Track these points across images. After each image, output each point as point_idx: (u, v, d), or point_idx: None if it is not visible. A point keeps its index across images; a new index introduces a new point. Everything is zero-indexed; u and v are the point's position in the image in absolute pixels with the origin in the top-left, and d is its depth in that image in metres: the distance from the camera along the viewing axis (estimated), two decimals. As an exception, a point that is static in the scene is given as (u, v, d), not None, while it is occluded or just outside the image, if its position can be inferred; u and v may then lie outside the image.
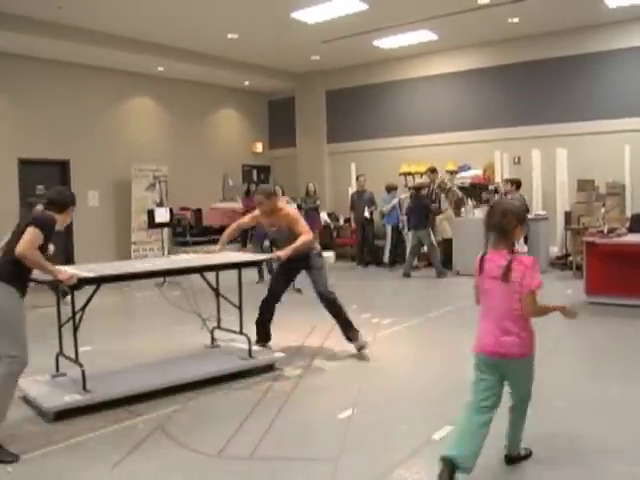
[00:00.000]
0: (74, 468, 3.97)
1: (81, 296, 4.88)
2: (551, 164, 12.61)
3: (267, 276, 9.65)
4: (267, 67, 15.98)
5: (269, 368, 5.96)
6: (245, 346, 5.97)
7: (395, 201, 13.34)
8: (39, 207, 4.69)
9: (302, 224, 6.33)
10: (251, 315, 6.38)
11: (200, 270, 5.94)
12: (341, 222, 15.52)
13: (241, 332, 6.10)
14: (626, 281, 8.43)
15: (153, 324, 8.49)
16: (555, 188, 12.58)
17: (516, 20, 12.23)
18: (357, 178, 14.12)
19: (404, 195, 13.50)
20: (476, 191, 13.58)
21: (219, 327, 6.44)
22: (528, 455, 3.87)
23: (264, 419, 4.65)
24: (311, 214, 14.55)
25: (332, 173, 16.75)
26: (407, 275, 12.05)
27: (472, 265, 3.75)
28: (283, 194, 15.35)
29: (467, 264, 11.67)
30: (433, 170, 13.24)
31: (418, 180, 13.72)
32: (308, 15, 11.61)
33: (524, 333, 3.54)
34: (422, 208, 12.21)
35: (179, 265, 6.01)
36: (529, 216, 11.96)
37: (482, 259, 3.62)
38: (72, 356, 5.10)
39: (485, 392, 3.56)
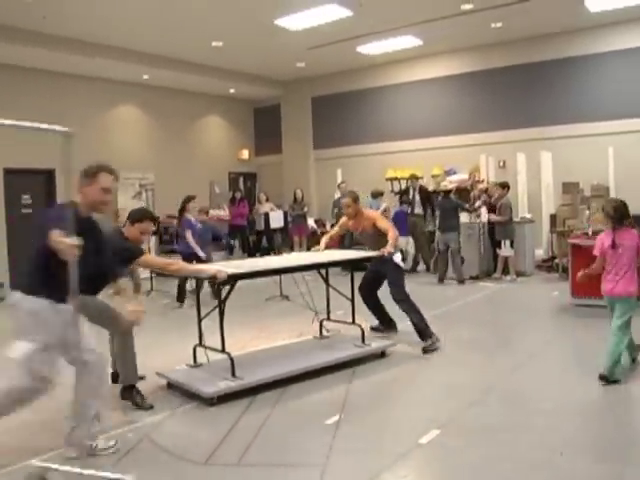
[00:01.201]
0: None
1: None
2: (536, 167, 12.68)
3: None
4: (252, 74, 16.00)
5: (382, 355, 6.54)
6: (356, 334, 6.60)
7: (383, 206, 13.27)
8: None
9: (386, 221, 7.14)
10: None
11: (332, 265, 6.97)
12: (327, 228, 15.48)
13: (353, 322, 6.77)
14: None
15: (263, 316, 9.11)
16: (540, 191, 12.65)
17: (499, 25, 12.31)
18: (339, 185, 14.09)
19: (390, 205, 13.39)
20: (463, 195, 13.67)
21: (329, 319, 7.01)
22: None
23: (251, 425, 4.65)
24: (299, 221, 14.59)
25: (318, 179, 16.77)
26: (442, 281, 11.50)
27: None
28: (267, 200, 15.40)
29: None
30: (417, 177, 13.25)
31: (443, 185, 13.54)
32: (292, 22, 11.62)
33: (635, 279, 5.49)
34: (452, 210, 11.77)
35: (313, 260, 6.68)
36: (515, 219, 12.05)
37: (613, 236, 5.49)
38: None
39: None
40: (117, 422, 4.77)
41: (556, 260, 11.96)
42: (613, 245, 5.49)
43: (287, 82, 16.96)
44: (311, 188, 16.46)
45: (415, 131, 14.98)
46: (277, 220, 11.37)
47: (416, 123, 15.04)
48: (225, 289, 5.40)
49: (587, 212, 10.64)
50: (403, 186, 14.33)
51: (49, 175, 13.15)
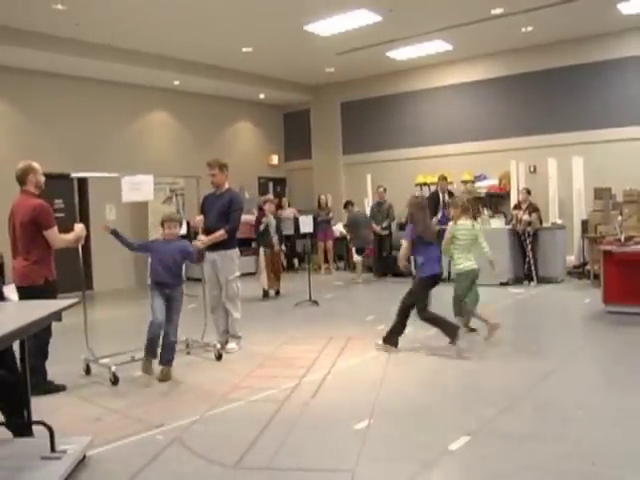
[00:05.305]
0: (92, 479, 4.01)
1: None
2: (567, 173, 12.55)
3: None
4: (282, 80, 16.07)
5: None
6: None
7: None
8: None
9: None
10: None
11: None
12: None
13: (29, 423, 4.34)
14: (644, 290, 8.37)
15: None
16: (572, 197, 12.52)
17: (530, 29, 12.22)
18: (377, 189, 14.10)
19: None
20: (492, 201, 13.63)
21: None
22: None
23: (281, 430, 4.66)
24: (324, 226, 14.62)
25: (348, 184, 16.77)
26: None
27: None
28: (289, 206, 15.49)
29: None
30: (446, 179, 13.26)
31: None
32: (322, 28, 11.66)
33: None
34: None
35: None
36: (546, 225, 11.96)
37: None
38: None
39: None
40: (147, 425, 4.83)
41: (587, 266, 11.84)
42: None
43: (317, 87, 17.00)
44: (341, 193, 16.45)
45: (445, 136, 14.93)
46: (307, 225, 11.33)
47: (446, 128, 14.98)
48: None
49: (619, 218, 10.53)
50: (432, 191, 14.27)
51: (82, 180, 13.30)
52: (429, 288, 7.04)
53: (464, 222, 7.42)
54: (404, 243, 7.19)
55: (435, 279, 7.03)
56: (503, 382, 5.77)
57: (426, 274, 6.99)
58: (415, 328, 7.82)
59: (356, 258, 13.31)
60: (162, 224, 6.38)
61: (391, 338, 7.00)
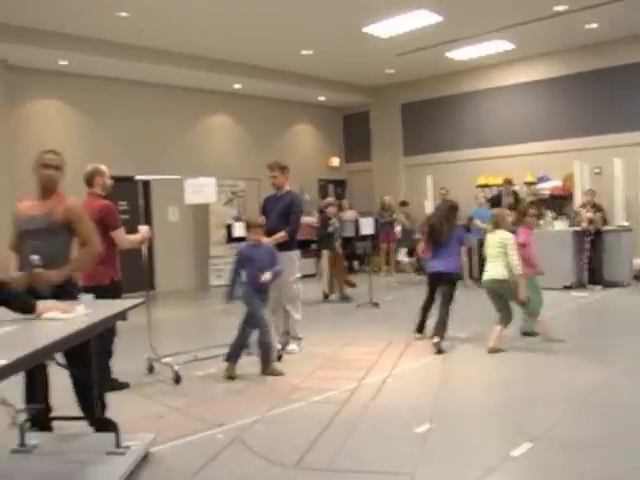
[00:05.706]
0: (154, 476, 4.08)
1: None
2: (634, 173, 12.24)
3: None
4: (342, 82, 16.09)
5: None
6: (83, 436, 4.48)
7: None
8: None
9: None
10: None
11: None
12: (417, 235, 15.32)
13: (97, 419, 4.45)
14: None
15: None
16: (638, 198, 12.20)
17: (594, 26, 11.93)
18: (440, 191, 14.03)
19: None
20: (555, 202, 13.37)
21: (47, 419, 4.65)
22: None
23: (341, 431, 4.66)
24: (387, 228, 14.58)
25: (408, 186, 16.67)
26: None
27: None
28: (350, 208, 15.52)
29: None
30: (511, 182, 13.10)
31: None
32: (381, 29, 11.63)
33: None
34: None
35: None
36: (611, 227, 11.70)
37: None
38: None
39: None
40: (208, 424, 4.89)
41: (656, 270, 11.53)
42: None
43: (376, 89, 16.96)
44: (401, 195, 16.36)
45: (507, 137, 14.70)
46: (367, 227, 11.32)
47: (508, 129, 14.76)
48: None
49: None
50: (494, 193, 14.07)
51: (145, 183, 13.54)
52: (430, 284, 7.73)
53: (493, 233, 7.18)
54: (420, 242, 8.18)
55: (434, 277, 7.60)
56: (566, 387, 5.66)
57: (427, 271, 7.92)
58: (476, 330, 7.76)
59: (403, 259, 13.47)
60: (248, 228, 6.62)
61: (440, 329, 7.19)
